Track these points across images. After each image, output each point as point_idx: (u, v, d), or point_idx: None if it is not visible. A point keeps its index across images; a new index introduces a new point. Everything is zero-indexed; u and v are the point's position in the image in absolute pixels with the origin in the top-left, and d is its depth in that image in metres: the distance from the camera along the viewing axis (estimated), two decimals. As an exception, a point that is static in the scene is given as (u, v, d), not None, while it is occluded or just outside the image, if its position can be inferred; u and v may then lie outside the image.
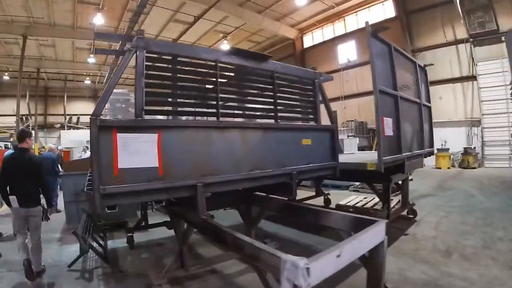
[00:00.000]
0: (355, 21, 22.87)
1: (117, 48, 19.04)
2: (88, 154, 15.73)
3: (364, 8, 22.16)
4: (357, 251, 2.59)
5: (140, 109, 2.63)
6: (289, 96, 4.26)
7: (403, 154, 5.90)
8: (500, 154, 16.31)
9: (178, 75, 3.13)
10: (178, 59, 3.03)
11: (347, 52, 23.05)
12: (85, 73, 31.50)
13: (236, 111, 3.67)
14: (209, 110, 3.32)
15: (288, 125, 4.10)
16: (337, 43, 23.89)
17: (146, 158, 2.61)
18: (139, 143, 2.59)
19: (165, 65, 3.01)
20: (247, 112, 3.84)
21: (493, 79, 16.56)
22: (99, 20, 18.81)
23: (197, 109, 3.41)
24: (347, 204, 7.76)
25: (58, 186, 9.73)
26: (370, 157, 7.37)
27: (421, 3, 18.94)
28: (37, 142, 22.78)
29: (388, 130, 5.52)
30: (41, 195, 4.83)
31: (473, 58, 17.30)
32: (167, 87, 3.07)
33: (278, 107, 3.90)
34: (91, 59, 26.53)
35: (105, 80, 28.04)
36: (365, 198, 8.26)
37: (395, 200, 7.29)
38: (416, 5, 19.27)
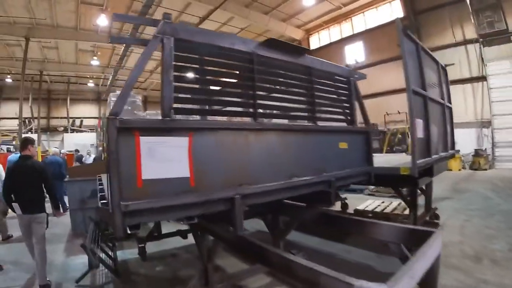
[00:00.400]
0: (362, 22, 22.58)
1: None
2: (91, 158, 15.34)
3: (371, 8, 21.85)
4: (424, 268, 2.31)
5: (168, 108, 2.18)
6: (325, 95, 3.84)
7: (433, 157, 5.58)
8: (511, 155, 15.97)
9: (211, 68, 2.68)
10: (210, 49, 2.57)
11: (355, 53, 22.68)
12: (88, 76, 31.21)
13: (273, 111, 3.23)
14: (245, 109, 2.87)
15: (327, 127, 3.71)
16: (344, 44, 23.54)
17: (175, 167, 2.16)
18: (167, 148, 2.14)
19: (195, 56, 2.54)
20: (285, 113, 3.39)
21: (503, 79, 16.29)
22: (102, 21, 18.53)
23: (231, 108, 2.94)
24: (365, 209, 7.43)
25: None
26: (393, 160, 7.05)
27: (429, 3, 18.68)
28: (40, 146, 22.39)
29: (420, 133, 5.22)
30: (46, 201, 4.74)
31: (482, 59, 17.00)
32: (197, 82, 2.60)
33: (316, 107, 3.49)
34: (95, 62, 26.12)
35: (109, 82, 27.72)
36: (382, 202, 7.93)
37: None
38: (424, 5, 18.98)
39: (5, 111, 30.15)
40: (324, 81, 3.80)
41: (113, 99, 12.24)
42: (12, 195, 4.52)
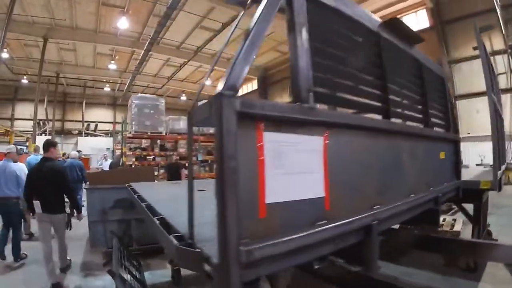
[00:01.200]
0: (387, 31, 21.95)
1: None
2: (107, 163, 14.48)
3: (396, 18, 21.22)
4: None
5: (306, 89, 1.39)
6: (431, 94, 3.12)
7: (502, 169, 5.32)
8: (541, 170, 15.09)
9: (344, 43, 1.86)
10: (339, 18, 1.81)
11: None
12: (105, 80, 30.84)
13: (404, 110, 2.47)
14: (375, 103, 2.09)
15: (438, 132, 3.01)
16: (368, 54, 22.88)
17: (306, 181, 1.37)
18: (298, 153, 1.35)
19: (326, 23, 1.73)
20: (408, 112, 2.63)
21: (533, 91, 15.64)
22: (123, 24, 18.08)
23: (360, 100, 2.13)
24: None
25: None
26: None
27: (456, 13, 18.11)
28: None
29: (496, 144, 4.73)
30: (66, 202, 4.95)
31: (511, 70, 16.45)
32: (330, 59, 1.73)
33: (429, 109, 2.78)
34: (112, 66, 25.72)
35: (126, 87, 27.32)
36: (426, 217, 7.33)
37: (459, 221, 6.77)
38: (451, 15, 18.43)
39: (20, 111, 30.06)
40: (429, 79, 3.08)
41: (135, 101, 11.59)
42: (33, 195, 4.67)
